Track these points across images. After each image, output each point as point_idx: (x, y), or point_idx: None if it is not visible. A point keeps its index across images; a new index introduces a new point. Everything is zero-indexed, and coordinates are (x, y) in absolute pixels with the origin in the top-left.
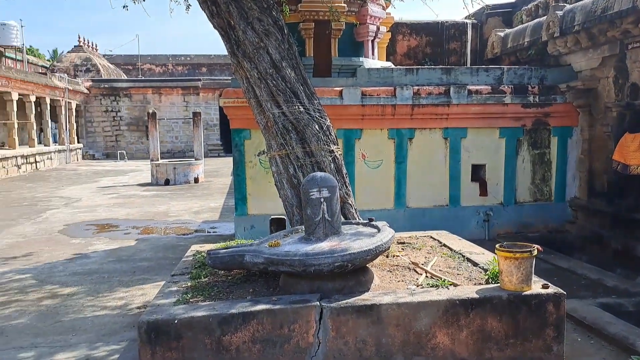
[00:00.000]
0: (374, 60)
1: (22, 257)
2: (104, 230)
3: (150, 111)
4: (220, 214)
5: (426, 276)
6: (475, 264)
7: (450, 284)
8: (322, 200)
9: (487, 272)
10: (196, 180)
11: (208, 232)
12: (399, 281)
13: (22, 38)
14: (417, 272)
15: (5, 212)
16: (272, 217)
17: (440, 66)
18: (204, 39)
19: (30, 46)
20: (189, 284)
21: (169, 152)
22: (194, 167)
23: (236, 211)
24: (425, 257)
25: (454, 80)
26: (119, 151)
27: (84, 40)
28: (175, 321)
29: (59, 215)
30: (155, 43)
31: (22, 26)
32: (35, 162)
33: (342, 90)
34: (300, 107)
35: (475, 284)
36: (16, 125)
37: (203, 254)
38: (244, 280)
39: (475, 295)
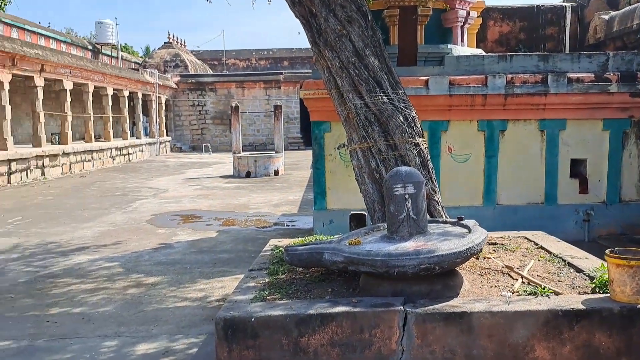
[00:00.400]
0: (463, 48)
1: (112, 245)
2: (188, 221)
3: (234, 105)
4: (299, 207)
5: (522, 282)
6: (578, 270)
7: (551, 292)
8: (406, 196)
9: (594, 280)
10: (276, 172)
11: (287, 225)
12: (491, 286)
13: (117, 36)
14: (511, 277)
15: (100, 202)
16: (352, 212)
17: (537, 53)
18: (287, 33)
19: (125, 44)
20: (267, 280)
21: (250, 145)
22: (274, 160)
23: (315, 205)
24: (521, 261)
25: (552, 68)
26: (204, 144)
27: (173, 37)
28: (252, 319)
29: (148, 205)
30: (240, 38)
31: (117, 24)
32: (128, 154)
33: (428, 79)
34: (383, 97)
35: (579, 293)
36: (111, 119)
37: (281, 249)
38: (323, 279)
39: (581, 307)
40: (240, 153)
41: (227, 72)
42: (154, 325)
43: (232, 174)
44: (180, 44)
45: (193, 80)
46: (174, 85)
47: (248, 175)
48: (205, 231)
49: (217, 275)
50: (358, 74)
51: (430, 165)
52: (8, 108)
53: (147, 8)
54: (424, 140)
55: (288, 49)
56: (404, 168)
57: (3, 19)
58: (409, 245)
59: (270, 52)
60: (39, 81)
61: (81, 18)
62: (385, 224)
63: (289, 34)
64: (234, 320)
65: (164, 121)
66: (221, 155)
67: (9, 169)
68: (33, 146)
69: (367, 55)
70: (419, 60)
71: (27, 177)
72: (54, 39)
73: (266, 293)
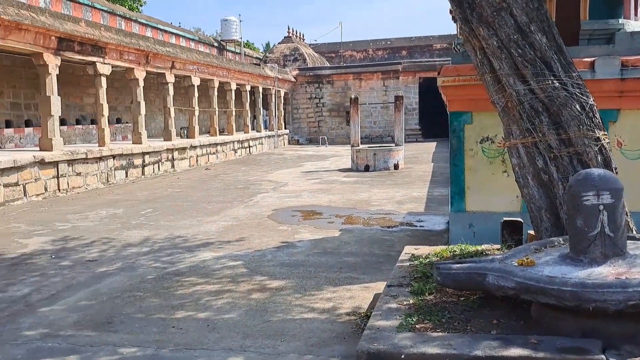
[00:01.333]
0: (638, 22)
1: (235, 242)
2: (309, 217)
3: (353, 96)
4: (425, 205)
5: None
6: None
7: None
8: (600, 208)
9: None
10: (396, 166)
11: (414, 225)
12: None
13: (240, 32)
14: None
15: (223, 195)
16: (504, 219)
17: None
18: (404, 22)
19: (247, 41)
20: (411, 302)
21: (367, 137)
22: (394, 153)
23: (451, 206)
24: None
25: None
26: (320, 136)
27: (293, 31)
28: (402, 357)
29: (268, 199)
30: (357, 30)
31: (240, 21)
32: (249, 146)
33: (594, 61)
34: (554, 81)
35: None
36: (234, 113)
37: (421, 260)
38: (481, 305)
39: None
40: (358, 146)
41: (344, 64)
42: (280, 340)
43: (350, 167)
44: (299, 37)
45: (311, 73)
46: (293, 79)
47: (367, 168)
48: (327, 230)
49: (344, 282)
50: (522, 54)
51: (614, 165)
52: (142, 104)
53: (267, 5)
54: (605, 135)
55: (406, 37)
56: (596, 171)
57: (139, 20)
58: (606, 271)
59: (388, 42)
60: (170, 77)
61: (208, 18)
62: (560, 239)
63: (407, 22)
64: (380, 355)
65: (283, 114)
66: (337, 148)
67: (143, 161)
68: (164, 140)
69: (533, 31)
70: (581, 38)
71: (159, 170)
72: (184, 37)
73: (414, 320)
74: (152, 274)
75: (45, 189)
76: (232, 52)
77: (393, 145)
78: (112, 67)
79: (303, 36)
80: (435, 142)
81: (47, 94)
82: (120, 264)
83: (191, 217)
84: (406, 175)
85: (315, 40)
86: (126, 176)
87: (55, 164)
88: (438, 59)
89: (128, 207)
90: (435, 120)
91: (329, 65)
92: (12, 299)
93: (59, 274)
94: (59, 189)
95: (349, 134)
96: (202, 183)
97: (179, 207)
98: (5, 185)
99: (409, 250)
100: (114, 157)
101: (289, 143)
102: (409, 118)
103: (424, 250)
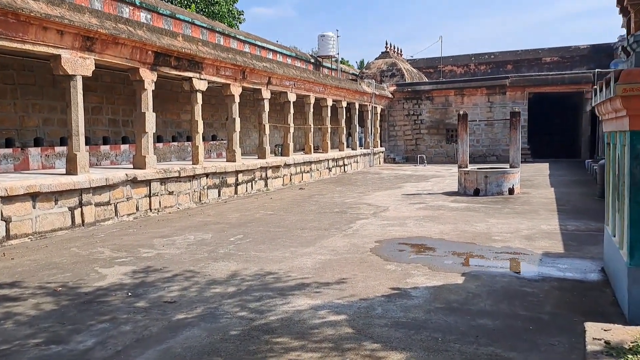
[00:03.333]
0: None
1: (335, 285)
2: (420, 253)
3: (461, 112)
4: (562, 243)
5: None
6: None
7: None
8: None
9: None
10: (511, 191)
11: (558, 273)
12: None
13: (337, 47)
14: None
15: (319, 219)
16: None
17: None
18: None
19: (342, 58)
20: None
21: (469, 156)
22: (509, 176)
23: (631, 259)
24: None
25: None
26: (418, 155)
27: (390, 46)
28: None
29: (369, 227)
30: (456, 45)
31: (338, 36)
32: (344, 165)
33: None
34: None
35: None
36: (329, 130)
37: (629, 357)
38: None
39: None
40: (467, 167)
41: (444, 79)
42: None
43: (456, 190)
44: (397, 53)
45: (409, 89)
46: (390, 95)
47: (477, 193)
48: (446, 272)
49: None
50: None
51: None
52: (238, 121)
53: (363, 23)
54: None
55: (512, 51)
56: None
57: (237, 36)
58: None
59: (492, 56)
60: (266, 93)
61: (305, 36)
62: None
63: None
64: None
65: (379, 131)
66: (437, 168)
67: (237, 180)
68: (258, 157)
69: None
70: None
71: (252, 189)
72: (281, 53)
73: None
74: (237, 328)
75: (137, 209)
76: (328, 68)
77: (507, 167)
78: (208, 83)
79: (401, 51)
80: (547, 163)
81: (142, 110)
82: (201, 310)
83: (284, 247)
84: (525, 202)
85: (412, 56)
86: (219, 195)
87: (147, 182)
88: (550, 73)
89: (217, 232)
90: (545, 139)
91: (427, 80)
92: (72, 355)
93: (131, 319)
94: (150, 209)
95: (449, 153)
96: (295, 205)
97: (271, 233)
98: (97, 205)
99: (594, 331)
100: (207, 175)
101: (385, 162)
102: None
103: (619, 332)
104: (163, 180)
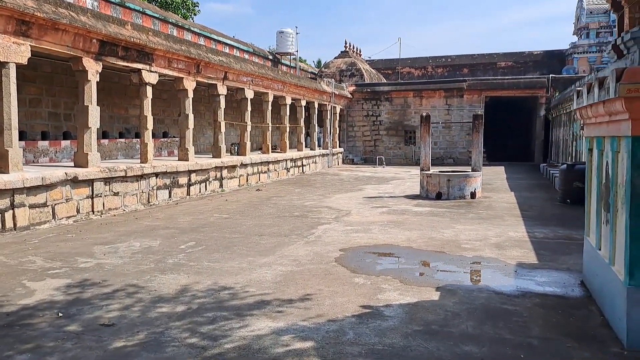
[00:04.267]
0: None
1: (299, 302)
2: (389, 263)
3: (424, 114)
4: (534, 252)
5: None
6: None
7: None
8: None
9: None
10: (473, 195)
11: (538, 287)
12: None
13: (296, 45)
14: None
15: (278, 224)
16: None
17: None
18: (463, 42)
19: (300, 57)
20: None
21: None
22: (471, 180)
23: (631, 278)
24: None
25: None
26: (377, 156)
27: (350, 46)
28: None
29: (332, 233)
30: (414, 47)
31: (297, 33)
32: (302, 165)
33: None
34: None
35: None
36: (288, 129)
37: None
38: None
39: None
40: (429, 170)
41: (403, 81)
42: None
43: (418, 193)
44: (356, 52)
45: (368, 90)
46: (349, 95)
47: (439, 196)
48: (420, 286)
49: None
50: None
51: None
52: (191, 117)
53: (322, 23)
54: None
55: (468, 55)
56: None
57: (192, 28)
58: None
59: (449, 60)
60: (222, 89)
61: (262, 35)
62: None
63: (468, 41)
64: None
65: (337, 132)
66: (396, 170)
67: (189, 180)
68: (213, 157)
69: None
70: None
71: (206, 189)
72: (238, 48)
73: None
74: None
75: (78, 211)
76: (287, 65)
77: (468, 170)
78: (159, 76)
79: (360, 51)
80: (503, 167)
81: (85, 103)
82: (144, 335)
83: (240, 257)
84: (488, 206)
85: (370, 57)
86: (169, 196)
87: (90, 182)
88: (506, 78)
89: (167, 238)
90: (500, 143)
91: (386, 81)
92: None
93: (58, 348)
94: (92, 211)
95: (407, 155)
96: (252, 207)
97: (226, 240)
98: (32, 206)
99: None
100: (156, 175)
101: (343, 162)
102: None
103: None
104: (107, 180)
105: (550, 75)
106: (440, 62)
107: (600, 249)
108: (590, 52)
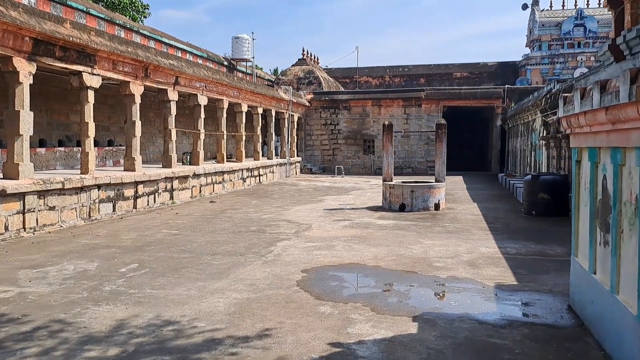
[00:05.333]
0: None
1: (257, 340)
2: (357, 286)
3: (386, 123)
4: (511, 271)
5: None
6: None
7: None
8: None
9: None
10: (437, 206)
11: (523, 314)
12: None
13: (252, 51)
14: None
15: (233, 241)
16: None
17: None
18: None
19: (257, 65)
20: None
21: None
22: (435, 191)
23: None
24: None
25: None
26: (336, 166)
27: (307, 53)
28: None
29: (292, 251)
30: (372, 57)
31: (253, 39)
32: (259, 175)
33: None
34: None
35: None
36: (244, 138)
37: None
38: None
39: None
40: (392, 181)
41: (362, 90)
42: None
43: (381, 205)
44: (314, 60)
45: (327, 98)
46: (307, 103)
47: (402, 208)
48: (394, 316)
49: None
50: None
51: None
52: (138, 124)
53: (279, 33)
54: None
55: (425, 65)
56: None
57: (141, 30)
58: None
59: (406, 69)
60: (173, 95)
61: (218, 42)
62: None
63: (425, 51)
64: None
65: (295, 141)
66: (356, 179)
67: (136, 192)
68: (163, 166)
69: None
70: None
71: (155, 202)
72: (191, 52)
73: None
74: None
75: (6, 228)
76: (243, 72)
77: (431, 180)
78: (103, 80)
79: (318, 59)
80: (461, 176)
81: (16, 108)
82: None
83: (189, 281)
84: (454, 219)
85: (327, 66)
86: (113, 210)
87: (21, 195)
88: (463, 88)
89: (106, 259)
90: (456, 152)
91: (344, 90)
92: None
93: None
94: (24, 228)
95: (366, 164)
96: (205, 222)
97: (174, 261)
98: None
99: None
100: (99, 187)
101: (302, 172)
102: (430, 149)
103: None
104: (42, 193)
105: (506, 86)
106: (398, 71)
107: (595, 273)
108: (542, 64)
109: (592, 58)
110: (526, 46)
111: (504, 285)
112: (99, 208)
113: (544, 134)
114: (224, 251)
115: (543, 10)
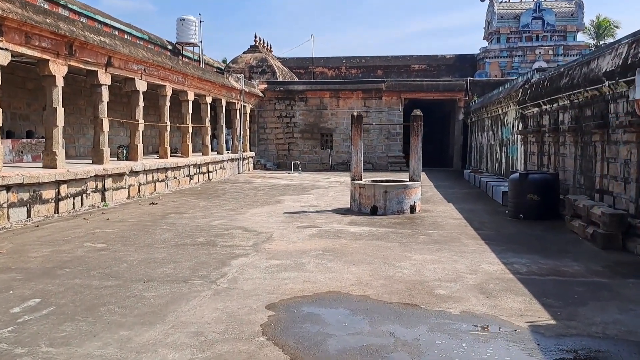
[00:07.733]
0: None
1: None
2: (347, 333)
3: (355, 114)
4: (537, 301)
5: None
6: None
7: None
8: None
9: None
10: (412, 209)
11: None
12: None
13: (200, 35)
14: None
15: (175, 259)
16: None
17: None
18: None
19: (204, 54)
20: None
21: (343, 164)
22: (411, 192)
23: None
24: None
25: None
26: (292, 161)
27: (260, 40)
28: None
29: (252, 273)
30: (327, 48)
31: (200, 21)
32: (208, 172)
33: None
34: None
35: None
36: (191, 130)
37: None
38: None
39: None
40: (361, 179)
41: (319, 80)
42: None
43: (349, 207)
44: (267, 48)
45: (281, 88)
46: (260, 94)
47: (374, 211)
48: None
49: None
50: None
51: None
52: (61, 112)
53: (228, 23)
54: None
55: (382, 56)
56: None
57: (69, 5)
58: None
59: (363, 61)
60: (104, 78)
61: (163, 31)
62: None
63: (382, 43)
64: None
65: (248, 134)
66: (314, 176)
67: (58, 193)
68: (93, 162)
69: None
70: None
71: (82, 204)
72: (130, 33)
73: None
74: None
75: None
76: (189, 58)
77: (408, 181)
78: (14, 56)
79: (271, 47)
80: (424, 173)
81: None
82: None
83: (108, 329)
84: (435, 224)
85: (281, 55)
86: (28, 216)
87: None
88: (425, 80)
89: None
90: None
91: (298, 80)
92: None
93: None
94: None
95: (324, 160)
96: (142, 231)
97: (92, 292)
98: None
99: None
100: (8, 188)
101: (255, 168)
102: (392, 144)
103: None
104: None
105: (469, 78)
106: (355, 62)
107: None
108: (501, 57)
109: (550, 52)
110: (484, 39)
111: (541, 327)
112: (8, 214)
113: (521, 128)
114: (161, 275)
115: (501, 2)
